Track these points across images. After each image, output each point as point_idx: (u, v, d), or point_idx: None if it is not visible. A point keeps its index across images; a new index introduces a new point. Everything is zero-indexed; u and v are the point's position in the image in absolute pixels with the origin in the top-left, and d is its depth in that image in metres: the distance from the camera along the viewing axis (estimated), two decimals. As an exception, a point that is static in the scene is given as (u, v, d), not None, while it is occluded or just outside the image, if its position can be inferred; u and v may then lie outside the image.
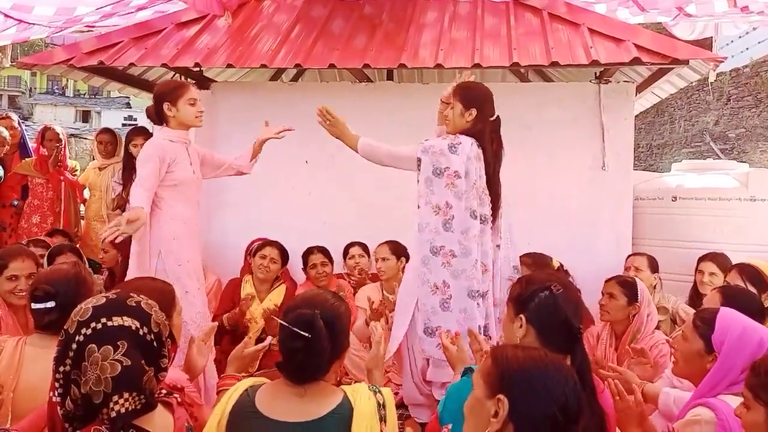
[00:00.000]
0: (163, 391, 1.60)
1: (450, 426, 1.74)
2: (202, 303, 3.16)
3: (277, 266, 3.89)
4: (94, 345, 1.37)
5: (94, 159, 5.28)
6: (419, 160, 2.93)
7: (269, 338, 2.34)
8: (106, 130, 5.23)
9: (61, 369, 1.40)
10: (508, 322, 1.94)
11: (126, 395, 1.37)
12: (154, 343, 1.46)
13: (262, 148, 3.47)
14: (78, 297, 2.02)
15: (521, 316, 1.84)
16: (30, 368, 1.99)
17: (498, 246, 3.11)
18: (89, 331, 1.39)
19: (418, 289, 2.92)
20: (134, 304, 1.48)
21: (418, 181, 2.95)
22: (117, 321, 1.42)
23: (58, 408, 1.42)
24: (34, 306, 2.13)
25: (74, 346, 1.39)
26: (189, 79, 4.60)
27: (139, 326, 1.44)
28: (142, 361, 1.41)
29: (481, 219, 2.94)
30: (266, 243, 3.95)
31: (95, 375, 1.35)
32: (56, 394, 1.42)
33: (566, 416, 1.28)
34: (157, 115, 3.13)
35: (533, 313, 1.82)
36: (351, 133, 3.10)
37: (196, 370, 2.21)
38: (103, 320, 1.41)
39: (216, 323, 2.59)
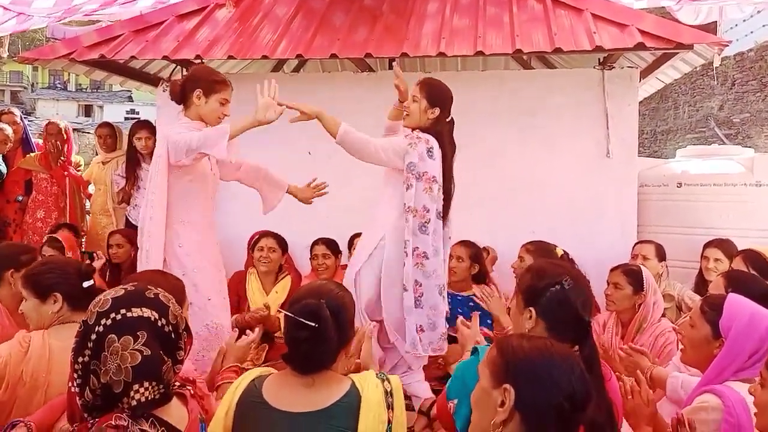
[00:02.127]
0: (177, 384, 1.61)
1: (455, 401, 1.77)
2: (214, 316, 2.93)
3: (277, 255, 3.87)
4: (114, 335, 1.39)
5: (97, 154, 5.28)
6: (413, 164, 2.91)
7: (257, 330, 2.36)
8: (105, 124, 5.23)
9: (80, 359, 1.42)
10: (516, 313, 1.94)
11: (146, 384, 1.39)
12: (172, 335, 1.48)
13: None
14: None
15: (531, 309, 1.84)
16: (60, 362, 1.98)
17: (450, 238, 3.17)
18: (109, 322, 1.41)
19: (394, 288, 2.94)
20: (153, 296, 1.50)
21: (409, 186, 2.91)
22: (136, 312, 1.43)
23: (77, 398, 1.44)
24: (86, 284, 2.18)
25: (93, 336, 1.40)
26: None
27: (158, 317, 1.46)
28: (161, 352, 1.43)
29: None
30: (261, 235, 3.94)
31: (116, 364, 1.37)
32: (75, 385, 1.44)
33: (573, 405, 1.28)
34: (183, 96, 2.95)
35: (544, 307, 1.82)
36: (331, 117, 2.95)
37: (219, 380, 2.22)
38: (123, 311, 1.43)
39: (250, 338, 2.35)
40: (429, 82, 3.08)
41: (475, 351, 1.90)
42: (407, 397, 3.23)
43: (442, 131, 3.02)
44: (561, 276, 1.84)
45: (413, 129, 3.04)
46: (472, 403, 1.42)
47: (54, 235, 4.12)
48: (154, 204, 2.86)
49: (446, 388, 1.91)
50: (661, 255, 3.79)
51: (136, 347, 1.39)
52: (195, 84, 2.92)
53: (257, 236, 3.97)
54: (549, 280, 1.85)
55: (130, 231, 4.41)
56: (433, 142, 2.96)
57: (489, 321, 3.36)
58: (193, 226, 2.93)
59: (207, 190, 3.02)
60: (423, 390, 3.10)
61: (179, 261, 2.88)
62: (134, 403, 1.37)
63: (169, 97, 3.06)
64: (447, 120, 3.06)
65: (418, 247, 2.91)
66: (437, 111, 3.00)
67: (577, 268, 2.24)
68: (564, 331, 1.76)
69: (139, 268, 2.91)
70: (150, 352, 1.40)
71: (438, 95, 3.02)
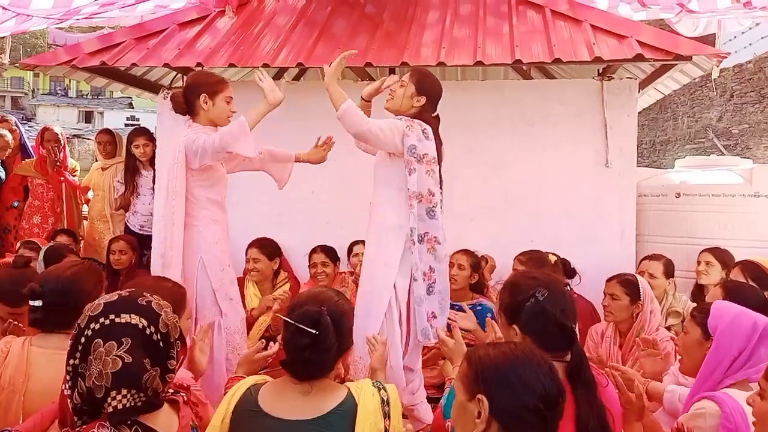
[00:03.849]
0: (170, 390, 1.60)
1: (452, 421, 1.75)
2: (243, 309, 3.12)
3: (262, 263, 3.84)
4: (100, 340, 1.39)
5: (97, 160, 5.30)
6: (414, 147, 2.83)
7: (277, 344, 2.31)
8: (105, 131, 5.26)
9: (71, 362, 1.42)
10: (504, 331, 1.96)
11: (124, 392, 1.37)
12: (161, 343, 1.46)
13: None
14: (68, 300, 2.03)
15: (514, 326, 1.85)
16: (39, 369, 1.98)
17: None
18: (97, 326, 1.41)
19: (412, 281, 2.88)
20: (144, 303, 1.49)
21: (411, 170, 2.84)
22: (125, 318, 1.43)
23: (68, 401, 1.44)
24: (30, 303, 2.11)
25: (83, 340, 1.41)
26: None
27: (146, 325, 1.44)
28: (146, 360, 1.41)
29: None
30: (248, 245, 3.92)
31: (98, 369, 1.37)
32: (67, 387, 1.44)
33: (546, 403, 1.30)
34: (188, 105, 2.98)
35: (525, 323, 1.82)
36: (339, 90, 2.86)
37: (200, 368, 2.22)
38: (112, 316, 1.42)
39: (209, 323, 2.48)
40: (421, 71, 3.06)
41: None
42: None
43: (429, 122, 2.95)
44: (534, 288, 1.84)
45: (395, 114, 2.98)
46: (452, 419, 1.43)
47: (31, 239, 4.11)
48: (175, 211, 2.88)
49: (441, 407, 1.90)
50: (668, 272, 3.72)
51: (118, 353, 1.38)
52: (198, 90, 2.95)
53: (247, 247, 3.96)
54: (523, 295, 1.85)
55: (131, 238, 4.42)
56: (425, 125, 2.90)
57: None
58: (221, 225, 3.01)
59: (222, 191, 3.07)
60: (427, 413, 3.04)
61: (218, 258, 2.94)
62: (110, 410, 1.36)
63: (173, 111, 3.07)
64: (434, 115, 3.01)
65: (428, 232, 2.87)
66: (423, 100, 2.94)
67: (553, 274, 2.21)
68: (550, 341, 1.75)
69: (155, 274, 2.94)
70: (131, 360, 1.38)
71: (427, 85, 2.97)
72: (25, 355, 2.01)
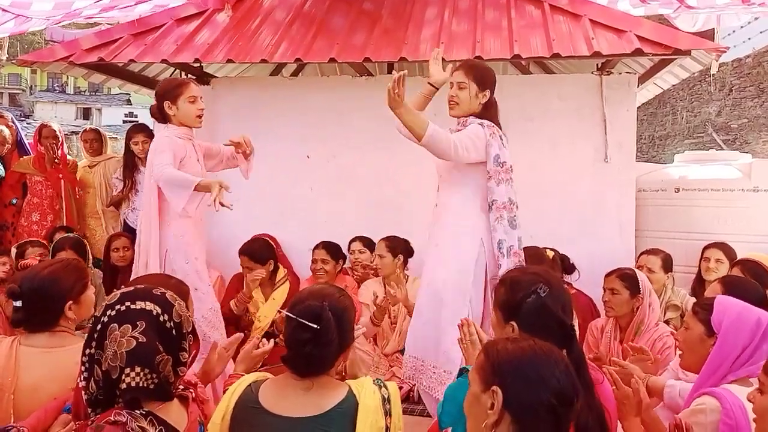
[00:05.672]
0: (180, 386, 1.63)
1: (450, 430, 1.73)
2: (213, 300, 3.18)
3: (256, 271, 3.77)
4: (115, 324, 1.46)
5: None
6: (498, 156, 2.71)
7: (272, 341, 2.29)
8: (90, 130, 5.30)
9: (87, 351, 1.48)
10: (498, 328, 1.91)
11: (138, 369, 1.43)
12: (173, 331, 1.52)
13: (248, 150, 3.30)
14: (46, 299, 2.02)
15: (512, 323, 1.81)
16: (28, 368, 1.98)
17: None
18: (114, 313, 1.48)
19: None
20: (159, 293, 1.57)
21: (500, 180, 2.77)
22: (140, 305, 1.50)
23: (83, 393, 1.48)
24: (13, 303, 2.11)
25: (99, 327, 1.48)
26: (189, 75, 4.60)
27: (160, 312, 1.51)
28: (158, 344, 1.47)
29: None
30: (239, 252, 3.87)
31: (113, 351, 1.43)
32: (82, 379, 1.49)
33: (560, 400, 1.29)
34: (160, 113, 3.13)
35: (524, 320, 1.78)
36: (417, 116, 2.63)
37: (212, 375, 2.20)
38: (128, 303, 1.50)
39: (240, 334, 2.37)
40: (473, 64, 2.91)
41: (462, 372, 1.88)
42: (418, 402, 3.21)
43: (495, 115, 2.84)
44: (535, 284, 1.81)
45: (462, 117, 2.84)
46: (465, 410, 1.42)
47: (34, 239, 4.10)
48: (151, 206, 3.03)
49: (438, 416, 1.85)
50: (666, 266, 3.71)
51: (132, 334, 1.44)
52: (162, 99, 3.09)
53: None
54: (524, 291, 1.81)
55: (131, 234, 4.41)
56: (501, 132, 2.80)
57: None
58: (190, 219, 3.08)
59: None
60: None
61: (182, 250, 3.03)
62: (123, 386, 1.41)
63: (156, 123, 3.20)
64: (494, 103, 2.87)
65: (513, 246, 2.73)
66: (488, 93, 2.81)
67: (551, 271, 2.14)
68: (549, 338, 1.73)
69: (140, 270, 3.00)
70: (145, 340, 1.44)
71: (486, 76, 2.83)
72: (14, 354, 2.01)
